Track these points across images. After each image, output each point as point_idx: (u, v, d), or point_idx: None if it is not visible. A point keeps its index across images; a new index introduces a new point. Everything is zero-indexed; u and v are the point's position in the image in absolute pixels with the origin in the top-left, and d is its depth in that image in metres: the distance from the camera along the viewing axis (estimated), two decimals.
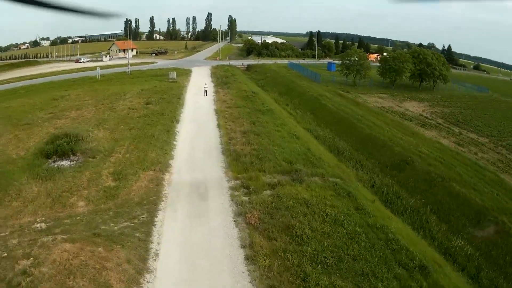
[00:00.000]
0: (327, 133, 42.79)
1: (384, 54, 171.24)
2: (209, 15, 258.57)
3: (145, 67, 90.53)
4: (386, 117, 53.98)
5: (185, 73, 76.00)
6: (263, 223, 18.21)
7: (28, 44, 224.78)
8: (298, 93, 63.32)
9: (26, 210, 19.68)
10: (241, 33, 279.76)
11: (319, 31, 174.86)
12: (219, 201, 20.97)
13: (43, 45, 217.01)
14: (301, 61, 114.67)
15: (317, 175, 24.71)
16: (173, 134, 33.17)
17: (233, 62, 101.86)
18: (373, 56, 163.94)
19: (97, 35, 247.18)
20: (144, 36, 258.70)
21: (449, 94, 79.37)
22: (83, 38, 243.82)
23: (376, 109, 58.89)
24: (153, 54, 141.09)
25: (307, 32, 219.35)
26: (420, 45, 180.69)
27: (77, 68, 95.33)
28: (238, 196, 21.35)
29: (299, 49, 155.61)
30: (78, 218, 18.54)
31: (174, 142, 31.23)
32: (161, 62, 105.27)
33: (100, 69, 75.75)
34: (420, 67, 78.91)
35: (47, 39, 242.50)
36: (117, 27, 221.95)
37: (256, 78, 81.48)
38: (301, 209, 19.57)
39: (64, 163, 25.79)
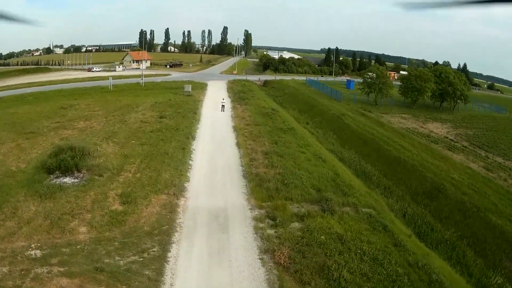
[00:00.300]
0: (352, 155, 39.73)
1: (402, 72, 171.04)
2: (225, 29, 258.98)
3: (159, 79, 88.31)
4: (413, 140, 50.93)
5: (201, 87, 73.67)
6: (294, 263, 15.77)
7: (41, 50, 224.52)
8: (319, 111, 60.49)
9: (21, 232, 17.06)
10: (256, 48, 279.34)
11: (336, 47, 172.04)
12: (241, 233, 18.38)
13: (56, 53, 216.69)
14: (320, 78, 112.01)
15: (349, 205, 22.04)
16: (189, 152, 30.39)
17: (249, 77, 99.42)
18: (390, 75, 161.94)
19: (112, 45, 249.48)
20: (158, 48, 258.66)
21: (469, 115, 76.86)
22: (97, 48, 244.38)
23: (401, 130, 55.99)
24: (168, 66, 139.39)
25: (322, 49, 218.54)
26: (436, 63, 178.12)
27: (89, 77, 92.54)
28: (263, 228, 18.73)
29: (316, 65, 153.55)
30: (78, 247, 16.21)
31: (190, 162, 28.45)
32: (175, 75, 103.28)
33: (113, 79, 73.72)
34: (442, 86, 76.16)
35: (61, 46, 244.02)
36: (132, 38, 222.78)
37: (274, 94, 78.90)
38: (335, 246, 17.18)
39: (67, 180, 23.06)
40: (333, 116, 56.44)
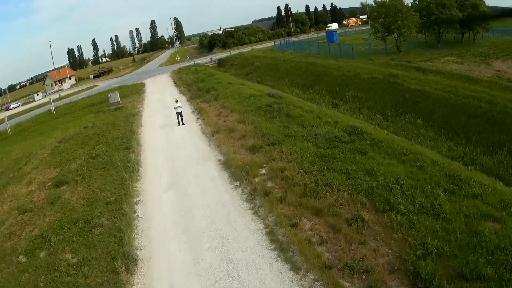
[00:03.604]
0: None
1: (362, 16, 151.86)
2: (153, 22, 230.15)
3: (80, 96, 63.71)
4: None
5: (136, 90, 49.74)
6: None
7: None
8: (338, 79, 38.15)
9: None
10: (190, 37, 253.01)
11: (287, 4, 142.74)
12: None
13: None
14: (291, 40, 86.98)
15: None
16: None
17: (197, 61, 75.12)
18: (352, 21, 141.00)
19: (44, 73, 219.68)
20: (90, 63, 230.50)
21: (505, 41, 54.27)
22: (30, 80, 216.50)
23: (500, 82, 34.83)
24: (92, 77, 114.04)
25: (262, 19, 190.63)
26: None
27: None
28: None
29: (269, 30, 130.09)
30: None
31: None
32: (103, 84, 78.47)
33: (11, 117, 50.56)
34: (467, 12, 54.21)
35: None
36: (61, 60, 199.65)
37: (243, 72, 55.43)
38: None
39: None
40: (376, 83, 34.19)
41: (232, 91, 32.66)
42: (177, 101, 27.24)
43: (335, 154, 15.44)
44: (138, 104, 39.14)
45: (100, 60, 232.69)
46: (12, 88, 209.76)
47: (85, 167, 20.72)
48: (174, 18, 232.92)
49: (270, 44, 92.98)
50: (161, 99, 39.28)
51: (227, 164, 17.16)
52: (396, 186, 12.15)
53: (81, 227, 13.87)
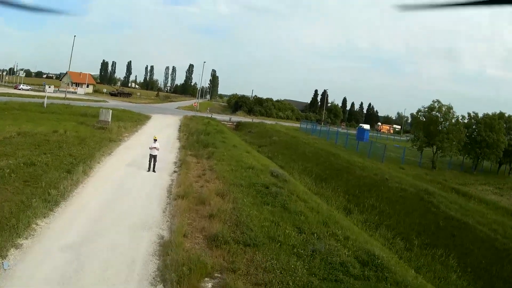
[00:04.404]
0: None
1: (395, 126, 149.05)
2: (191, 67, 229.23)
3: (84, 104, 58.89)
4: None
5: (136, 119, 44.87)
6: None
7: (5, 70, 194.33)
8: (362, 181, 31.93)
9: None
10: (222, 95, 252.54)
11: (325, 90, 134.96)
12: None
13: (19, 75, 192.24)
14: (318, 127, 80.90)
15: None
16: None
17: (216, 117, 70.44)
18: (385, 127, 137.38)
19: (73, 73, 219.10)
20: (119, 83, 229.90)
21: None
22: (57, 75, 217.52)
23: None
24: (107, 92, 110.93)
25: (295, 100, 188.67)
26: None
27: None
28: None
29: (300, 111, 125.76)
30: None
31: None
32: (113, 103, 73.82)
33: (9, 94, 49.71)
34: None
35: (27, 71, 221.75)
36: (94, 69, 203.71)
37: (256, 142, 49.92)
38: None
39: None
40: (405, 197, 28.16)
41: (232, 155, 27.09)
42: (155, 140, 21.67)
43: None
44: (126, 133, 33.87)
45: (129, 84, 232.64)
46: (28, 73, 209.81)
47: (10, 170, 16.05)
48: (212, 70, 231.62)
49: (296, 125, 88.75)
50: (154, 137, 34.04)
51: (165, 249, 11.21)
52: None
53: None
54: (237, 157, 26.78)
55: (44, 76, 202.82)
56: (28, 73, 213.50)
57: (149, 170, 20.92)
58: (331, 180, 32.79)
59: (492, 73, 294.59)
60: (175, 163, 24.13)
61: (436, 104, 46.36)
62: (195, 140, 32.79)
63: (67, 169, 17.95)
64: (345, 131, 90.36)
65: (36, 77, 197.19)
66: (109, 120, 34.98)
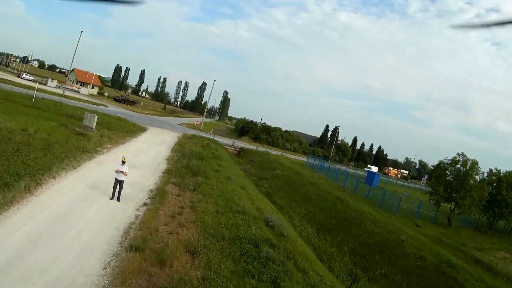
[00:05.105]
0: None
1: (403, 171, 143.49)
2: (203, 84, 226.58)
3: (77, 104, 54.71)
4: None
5: (128, 130, 40.40)
6: None
7: (19, 58, 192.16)
8: (372, 239, 26.88)
9: None
10: (231, 118, 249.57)
11: (336, 126, 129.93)
12: None
13: (32, 65, 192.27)
14: (328, 164, 75.42)
15: None
16: None
17: (219, 139, 65.98)
18: (393, 171, 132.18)
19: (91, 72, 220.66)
20: (130, 90, 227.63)
21: None
22: (65, 71, 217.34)
23: None
24: (106, 95, 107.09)
25: (303, 133, 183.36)
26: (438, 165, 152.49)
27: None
28: None
29: (308, 145, 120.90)
30: None
31: None
32: (112, 108, 69.87)
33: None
34: None
35: (42, 62, 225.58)
36: (107, 71, 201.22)
37: (256, 173, 45.29)
38: None
39: None
40: (425, 267, 23.15)
41: (222, 190, 22.51)
42: (124, 162, 17.00)
43: None
44: (109, 144, 29.43)
45: (140, 93, 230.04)
46: (42, 65, 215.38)
47: None
48: (224, 91, 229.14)
49: (302, 158, 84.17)
50: (139, 154, 29.68)
51: None
52: None
53: None
54: (228, 193, 22.18)
55: (57, 70, 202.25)
56: (41, 65, 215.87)
57: (112, 197, 16.45)
58: (337, 231, 28.09)
59: (502, 127, 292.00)
60: (151, 191, 19.58)
61: (460, 157, 41.79)
62: (185, 164, 28.24)
63: (6, 181, 13.76)
64: (353, 171, 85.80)
65: (49, 70, 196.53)
66: (93, 126, 30.71)
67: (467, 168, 40.75)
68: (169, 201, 18.01)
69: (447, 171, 42.44)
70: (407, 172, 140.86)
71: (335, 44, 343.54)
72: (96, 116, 31.56)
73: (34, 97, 42.07)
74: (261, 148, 74.96)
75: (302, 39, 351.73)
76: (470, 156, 42.27)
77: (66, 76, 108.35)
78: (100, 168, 21.20)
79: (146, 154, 30.67)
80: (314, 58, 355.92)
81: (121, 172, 16.39)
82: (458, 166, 41.49)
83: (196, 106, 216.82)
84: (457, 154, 41.81)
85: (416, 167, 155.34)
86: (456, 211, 40.43)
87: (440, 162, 44.64)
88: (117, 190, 16.44)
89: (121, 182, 16.42)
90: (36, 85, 46.28)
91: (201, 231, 14.66)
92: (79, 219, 13.51)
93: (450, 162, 42.25)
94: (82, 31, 72.48)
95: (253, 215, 18.71)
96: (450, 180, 41.20)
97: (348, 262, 23.43)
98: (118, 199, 16.42)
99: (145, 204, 17.11)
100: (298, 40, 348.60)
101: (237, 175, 31.87)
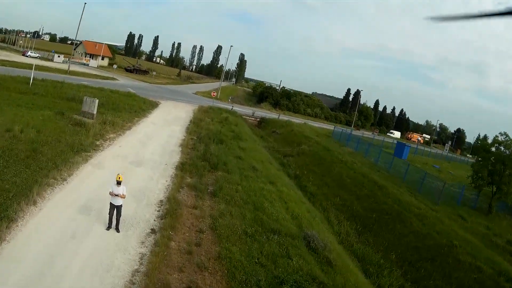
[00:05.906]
0: None
1: (425, 135, 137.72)
2: (219, 48, 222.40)
3: (82, 80, 50.56)
4: None
5: (137, 109, 36.06)
6: None
7: (29, 34, 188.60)
8: (422, 242, 22.79)
9: None
10: (248, 80, 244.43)
11: (358, 90, 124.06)
12: None
13: (43, 39, 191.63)
14: (352, 132, 69.53)
15: None
16: None
17: (237, 109, 61.47)
18: (416, 136, 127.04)
19: (97, 42, 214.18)
20: (144, 57, 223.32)
21: None
22: (80, 42, 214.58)
23: None
24: (115, 67, 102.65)
25: (323, 94, 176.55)
26: (459, 130, 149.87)
27: None
28: None
29: (329, 109, 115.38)
30: None
31: None
32: (123, 81, 65.71)
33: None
34: None
35: (54, 35, 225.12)
36: (120, 40, 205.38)
37: (281, 149, 41.10)
38: None
39: None
40: (483, 283, 19.09)
41: (249, 192, 18.45)
42: (119, 182, 12.66)
43: None
44: (112, 133, 25.35)
45: (155, 59, 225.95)
46: (53, 38, 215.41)
47: None
48: (240, 54, 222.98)
49: (326, 126, 79.55)
50: (147, 141, 25.80)
51: None
52: None
53: None
54: (256, 196, 18.11)
55: (69, 42, 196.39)
56: (52, 38, 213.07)
57: (109, 227, 12.50)
58: (379, 229, 24.01)
59: None
60: (160, 203, 15.61)
61: (503, 137, 36.50)
62: (202, 153, 24.18)
63: None
64: (381, 138, 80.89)
65: (60, 43, 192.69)
66: (94, 112, 26.70)
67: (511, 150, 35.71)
68: (183, 221, 14.03)
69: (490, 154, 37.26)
70: (428, 136, 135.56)
71: (351, 6, 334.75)
72: (97, 100, 27.35)
73: (31, 80, 37.59)
74: (283, 117, 70.38)
75: (319, 1, 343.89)
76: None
77: (74, 49, 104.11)
78: (96, 174, 17.18)
79: (156, 140, 26.73)
80: (330, 19, 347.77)
81: (117, 196, 12.35)
82: (502, 147, 36.37)
83: (212, 70, 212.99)
84: (499, 133, 36.46)
85: (437, 129, 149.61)
86: (497, 195, 35.65)
87: (483, 144, 39.68)
88: (113, 217, 12.48)
89: (118, 207, 12.39)
90: (34, 64, 41.60)
91: (228, 277, 10.74)
92: (62, 276, 9.63)
93: (491, 143, 37.25)
94: (85, 3, 66.81)
95: (290, 233, 14.65)
96: (493, 162, 36.10)
97: (397, 273, 19.34)
98: (117, 229, 12.49)
99: (152, 231, 13.10)
100: (314, 1, 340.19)
101: (262, 161, 27.75)
